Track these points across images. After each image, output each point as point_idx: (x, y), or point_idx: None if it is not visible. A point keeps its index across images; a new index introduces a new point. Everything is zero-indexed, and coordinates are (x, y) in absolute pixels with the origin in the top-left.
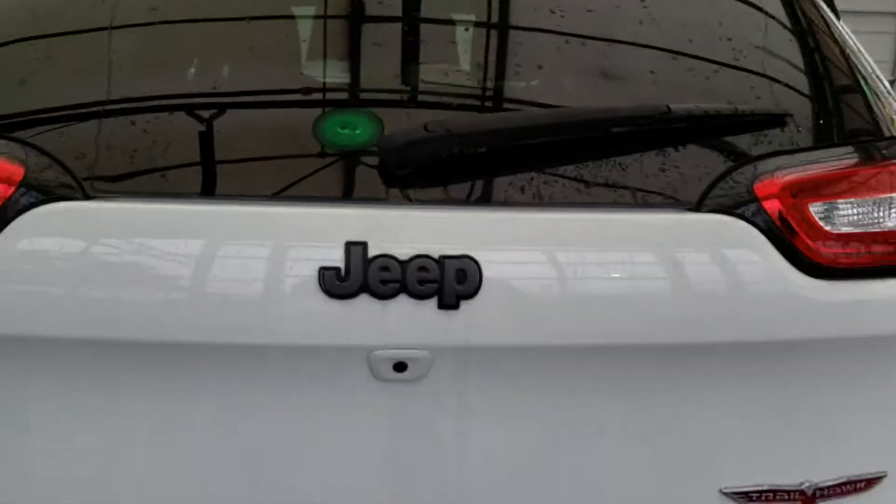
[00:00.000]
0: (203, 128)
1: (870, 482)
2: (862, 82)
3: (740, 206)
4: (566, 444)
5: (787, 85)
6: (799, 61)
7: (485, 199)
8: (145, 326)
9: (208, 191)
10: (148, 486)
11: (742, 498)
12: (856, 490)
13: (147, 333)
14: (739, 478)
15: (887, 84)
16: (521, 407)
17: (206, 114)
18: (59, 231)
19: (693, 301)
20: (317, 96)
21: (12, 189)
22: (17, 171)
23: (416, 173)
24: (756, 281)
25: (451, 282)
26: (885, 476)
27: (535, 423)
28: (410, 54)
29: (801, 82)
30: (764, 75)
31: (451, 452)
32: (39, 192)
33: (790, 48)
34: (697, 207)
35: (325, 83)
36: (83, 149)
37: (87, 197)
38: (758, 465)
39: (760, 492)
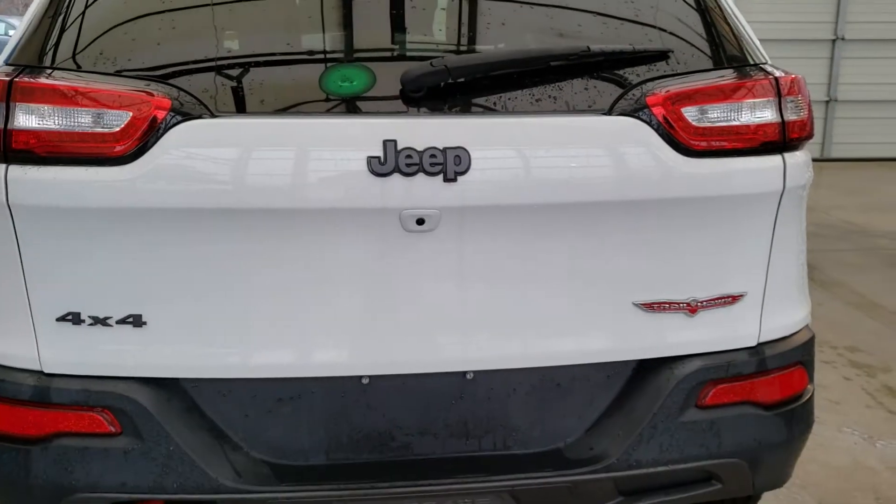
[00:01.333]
0: (284, 70)
1: (734, 298)
2: (728, 28)
3: (637, 111)
4: (529, 266)
5: (672, 33)
6: (683, 16)
7: (471, 110)
8: (256, 197)
9: (292, 110)
10: (276, 297)
11: (648, 308)
12: (724, 304)
13: (256, 203)
14: (646, 295)
15: (747, 26)
16: (498, 244)
17: (286, 61)
18: (197, 136)
19: (607, 171)
20: (372, 55)
21: (165, 112)
22: (167, 102)
23: (426, 94)
24: (648, 159)
25: (451, 164)
26: (745, 295)
27: (506, 254)
28: (397, 27)
29: (684, 31)
30: (656, 26)
31: (454, 273)
32: (182, 114)
33: (677, 7)
34: (609, 112)
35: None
36: (207, 86)
37: (213, 116)
38: (658, 288)
39: (660, 303)
